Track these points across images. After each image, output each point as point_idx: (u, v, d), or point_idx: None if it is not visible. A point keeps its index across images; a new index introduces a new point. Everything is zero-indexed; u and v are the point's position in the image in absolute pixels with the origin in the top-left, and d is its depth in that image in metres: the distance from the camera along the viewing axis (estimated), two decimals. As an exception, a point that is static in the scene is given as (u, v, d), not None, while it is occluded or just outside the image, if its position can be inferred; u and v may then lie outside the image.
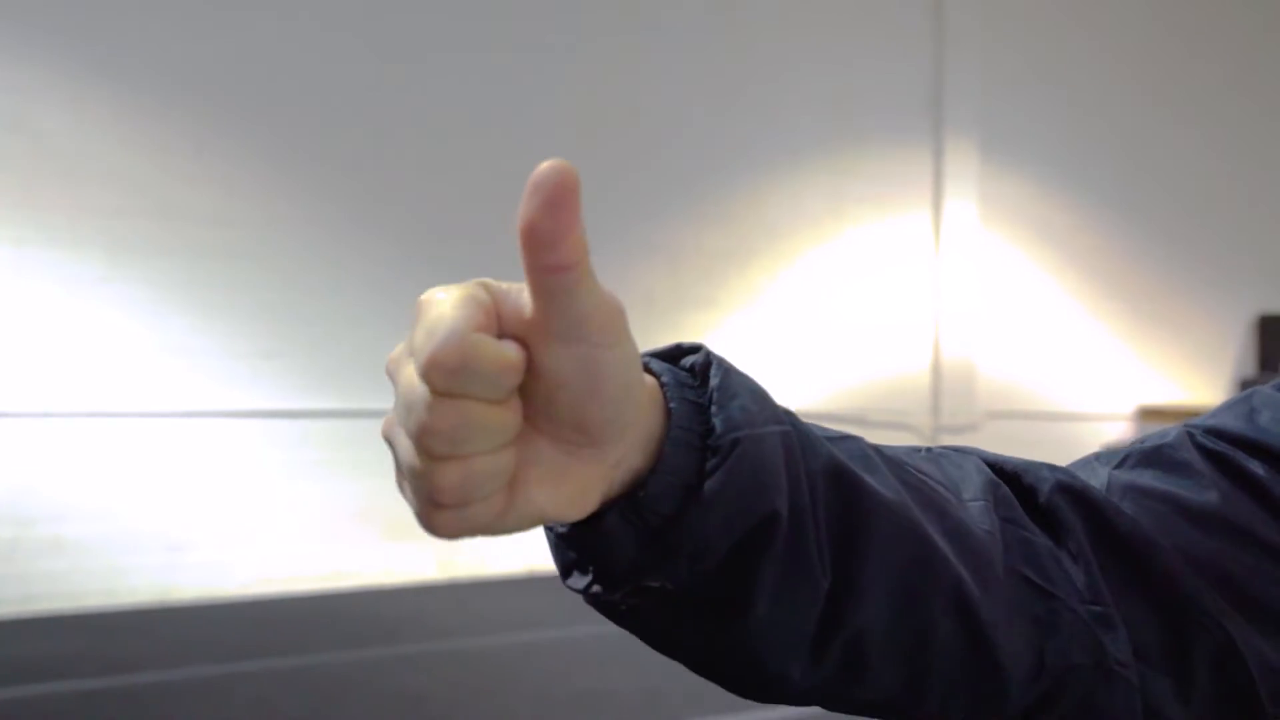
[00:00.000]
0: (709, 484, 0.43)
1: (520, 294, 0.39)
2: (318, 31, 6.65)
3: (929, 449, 0.58)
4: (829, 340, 8.12)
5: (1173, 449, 0.62)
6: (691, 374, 0.46)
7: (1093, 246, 9.30)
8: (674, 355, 0.48)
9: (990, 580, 0.51)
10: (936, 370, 8.52)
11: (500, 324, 0.38)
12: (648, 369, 0.45)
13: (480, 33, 7.08)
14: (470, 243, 7.07)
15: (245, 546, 6.33)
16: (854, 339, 8.17)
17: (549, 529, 0.47)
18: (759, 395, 0.47)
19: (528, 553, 7.10)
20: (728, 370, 0.46)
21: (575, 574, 0.47)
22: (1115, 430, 9.33)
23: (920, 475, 0.53)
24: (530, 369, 0.38)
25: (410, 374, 0.38)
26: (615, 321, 0.40)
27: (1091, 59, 9.34)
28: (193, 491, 6.25)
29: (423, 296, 0.39)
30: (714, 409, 0.45)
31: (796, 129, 8.08)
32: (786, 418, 0.48)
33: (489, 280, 0.40)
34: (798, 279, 8.10)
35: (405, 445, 0.38)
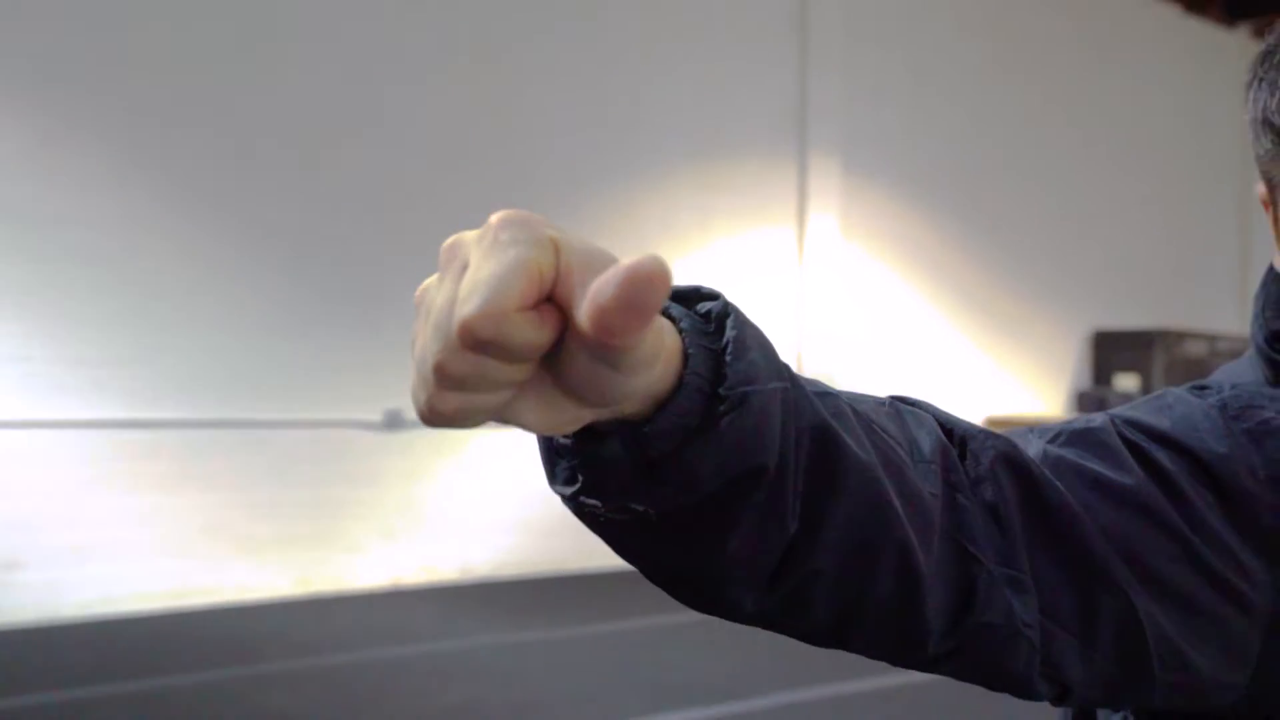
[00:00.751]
0: (713, 432, 0.45)
1: (582, 281, 0.37)
2: (175, 27, 6.33)
3: (893, 401, 0.60)
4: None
5: (1100, 433, 0.67)
6: (707, 320, 0.47)
7: (948, 261, 9.70)
8: (692, 296, 0.49)
9: (930, 541, 0.54)
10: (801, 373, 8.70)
11: (550, 290, 0.38)
12: (665, 312, 0.46)
13: (345, 36, 6.89)
14: (329, 251, 6.87)
15: (87, 564, 5.95)
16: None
17: (541, 437, 0.48)
18: (768, 350, 0.48)
19: (392, 565, 6.92)
20: (744, 323, 0.47)
21: (562, 480, 0.48)
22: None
23: (885, 436, 0.55)
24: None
25: (445, 302, 0.38)
26: (650, 360, 0.40)
27: (948, 82, 9.75)
28: (29, 507, 5.84)
29: (495, 222, 0.39)
30: (729, 359, 0.46)
31: (665, 143, 8.15)
32: (787, 373, 0.50)
33: (561, 240, 0.39)
34: (667, 289, 8.16)
35: (421, 344, 0.40)
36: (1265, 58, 0.74)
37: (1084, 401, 10.20)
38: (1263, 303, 0.79)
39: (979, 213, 9.96)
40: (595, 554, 7.56)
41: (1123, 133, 11.10)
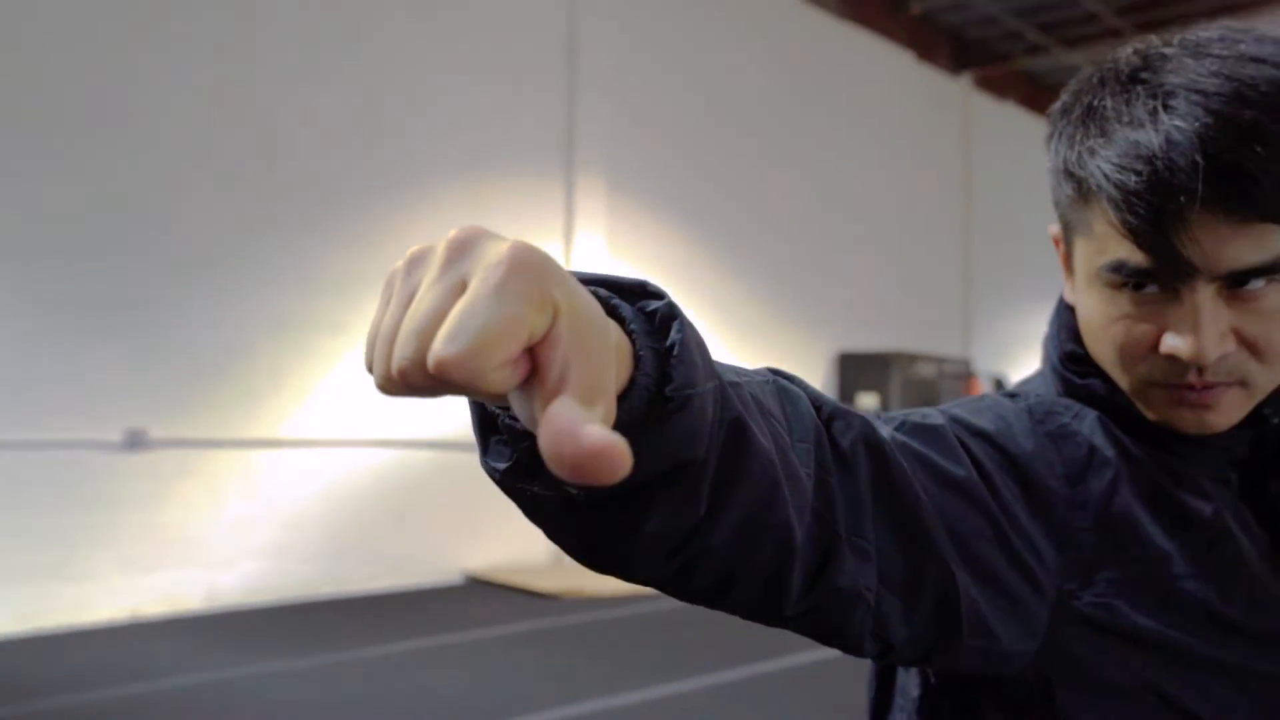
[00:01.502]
0: (656, 429, 0.47)
1: (566, 358, 0.38)
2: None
3: (773, 378, 0.63)
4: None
5: (940, 430, 0.74)
6: (652, 320, 0.49)
7: (709, 282, 10.07)
8: (637, 292, 0.50)
9: (804, 517, 0.59)
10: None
11: (534, 345, 0.39)
12: (614, 310, 0.48)
13: (88, 35, 6.38)
14: (63, 259, 6.34)
15: None
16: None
17: (475, 404, 0.49)
18: (704, 350, 0.51)
19: (132, 596, 6.43)
20: (686, 325, 0.49)
21: (496, 457, 0.49)
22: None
23: (773, 420, 0.59)
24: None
25: (429, 312, 0.39)
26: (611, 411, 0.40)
27: (705, 113, 10.15)
28: None
29: (509, 259, 0.38)
30: (674, 362, 0.48)
31: (436, 158, 8.04)
32: (717, 371, 0.53)
33: (563, 307, 0.39)
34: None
35: (389, 326, 0.41)
36: (1063, 114, 0.80)
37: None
38: (1056, 327, 0.88)
39: (737, 239, 10.41)
40: (350, 579, 7.35)
41: (863, 170, 11.91)
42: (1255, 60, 0.70)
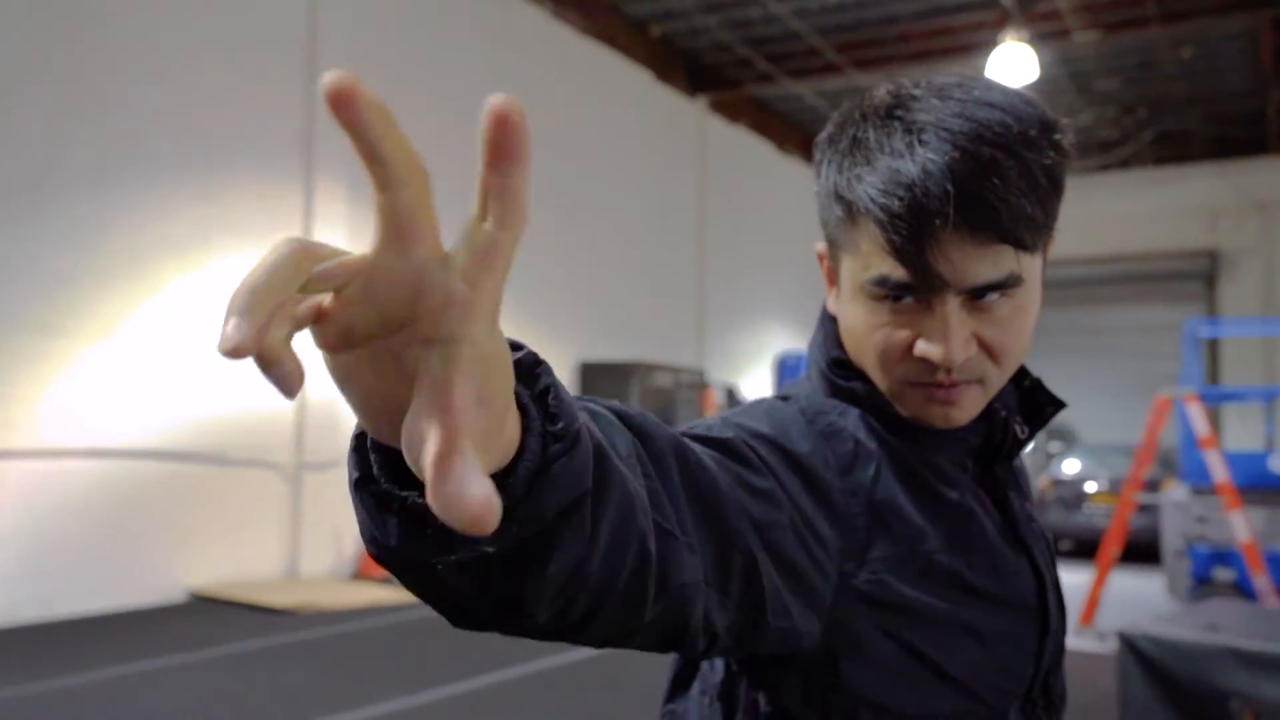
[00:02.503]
0: (556, 467, 0.50)
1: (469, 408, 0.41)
2: None
3: (583, 404, 0.64)
4: (191, 374, 7.67)
5: (736, 444, 0.79)
6: (519, 368, 0.51)
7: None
8: None
9: (648, 523, 0.61)
10: (301, 408, 8.49)
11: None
12: None
13: None
14: None
15: None
16: (218, 373, 7.81)
17: (366, 490, 0.50)
18: (565, 387, 0.53)
19: None
20: (549, 368, 0.52)
21: (399, 536, 0.49)
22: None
23: (607, 436, 0.61)
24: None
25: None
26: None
27: (454, 119, 10.07)
28: None
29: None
30: (553, 403, 0.51)
31: (161, 153, 7.57)
32: (580, 401, 0.56)
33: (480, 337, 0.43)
34: (162, 308, 7.55)
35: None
36: (829, 143, 0.89)
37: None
38: (822, 336, 0.97)
39: (480, 247, 10.40)
40: (57, 601, 6.77)
41: (605, 183, 12.22)
42: (988, 105, 0.81)
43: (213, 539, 7.69)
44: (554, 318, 11.28)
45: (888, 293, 0.84)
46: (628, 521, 0.57)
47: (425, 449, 0.40)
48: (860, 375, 0.92)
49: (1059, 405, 0.98)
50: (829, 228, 0.90)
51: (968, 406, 0.88)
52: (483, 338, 0.42)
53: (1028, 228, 0.80)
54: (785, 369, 15.74)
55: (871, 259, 0.84)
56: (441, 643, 6.26)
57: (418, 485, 0.47)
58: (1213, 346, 15.31)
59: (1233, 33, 12.16)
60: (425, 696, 5.01)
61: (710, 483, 0.70)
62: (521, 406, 0.49)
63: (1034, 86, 12.45)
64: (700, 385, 12.78)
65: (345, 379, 0.46)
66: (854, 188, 0.83)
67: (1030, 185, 0.79)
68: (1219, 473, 6.71)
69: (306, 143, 8.65)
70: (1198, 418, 7.01)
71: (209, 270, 7.87)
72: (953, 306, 0.83)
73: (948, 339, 0.83)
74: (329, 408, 8.60)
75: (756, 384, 15.37)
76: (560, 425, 0.50)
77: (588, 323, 11.81)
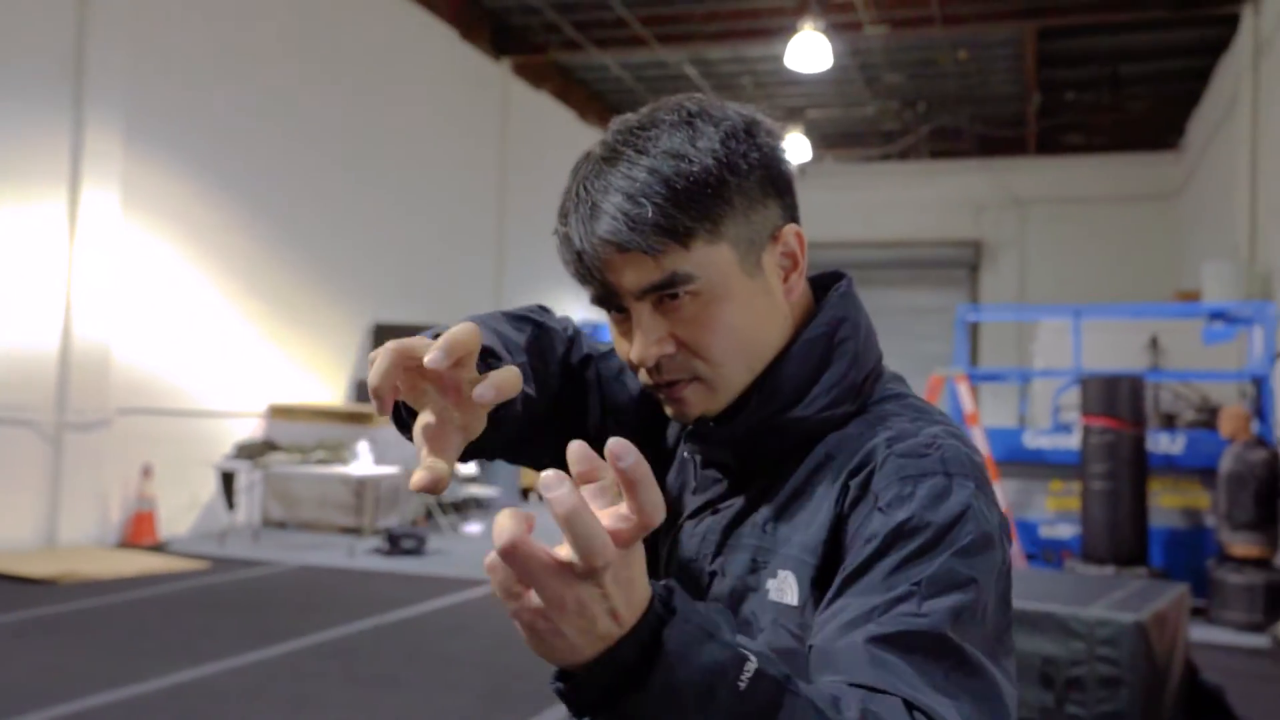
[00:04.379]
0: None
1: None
2: None
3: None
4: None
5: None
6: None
7: (237, 246, 9.52)
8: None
9: None
10: (65, 363, 7.89)
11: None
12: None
13: None
14: None
15: None
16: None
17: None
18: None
19: None
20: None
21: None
22: (248, 427, 9.65)
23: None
24: None
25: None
26: None
27: (240, 68, 9.55)
28: None
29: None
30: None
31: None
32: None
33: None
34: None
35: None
36: (571, 179, 0.94)
37: (363, 391, 10.75)
38: None
39: (271, 205, 9.94)
40: None
41: (405, 142, 11.90)
42: (632, 164, 0.87)
43: (-41, 504, 7.06)
44: (346, 278, 10.93)
45: (605, 308, 0.91)
46: None
47: None
48: None
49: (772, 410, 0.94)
50: None
51: (694, 403, 0.91)
52: None
53: (645, 233, 0.84)
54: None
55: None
56: (217, 615, 6.00)
57: None
58: (974, 330, 16.51)
59: (1003, 39, 13.08)
60: (197, 671, 4.80)
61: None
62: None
63: (826, 76, 13.01)
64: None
65: None
66: (559, 242, 0.91)
67: (646, 194, 0.84)
68: (982, 447, 7.27)
69: (76, 80, 7.97)
70: (966, 396, 7.56)
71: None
72: (640, 311, 0.88)
73: (639, 340, 0.89)
74: (97, 363, 8.03)
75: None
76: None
77: (382, 284, 11.50)
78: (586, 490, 0.59)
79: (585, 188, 0.88)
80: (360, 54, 11.09)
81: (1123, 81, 14.00)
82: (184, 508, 8.99)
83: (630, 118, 0.92)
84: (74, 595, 6.30)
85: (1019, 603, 3.89)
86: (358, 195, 11.07)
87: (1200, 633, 6.06)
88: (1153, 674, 3.92)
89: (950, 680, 0.72)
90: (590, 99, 15.80)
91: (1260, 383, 7.83)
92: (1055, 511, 7.76)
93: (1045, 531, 7.72)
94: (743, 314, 0.88)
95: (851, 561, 0.79)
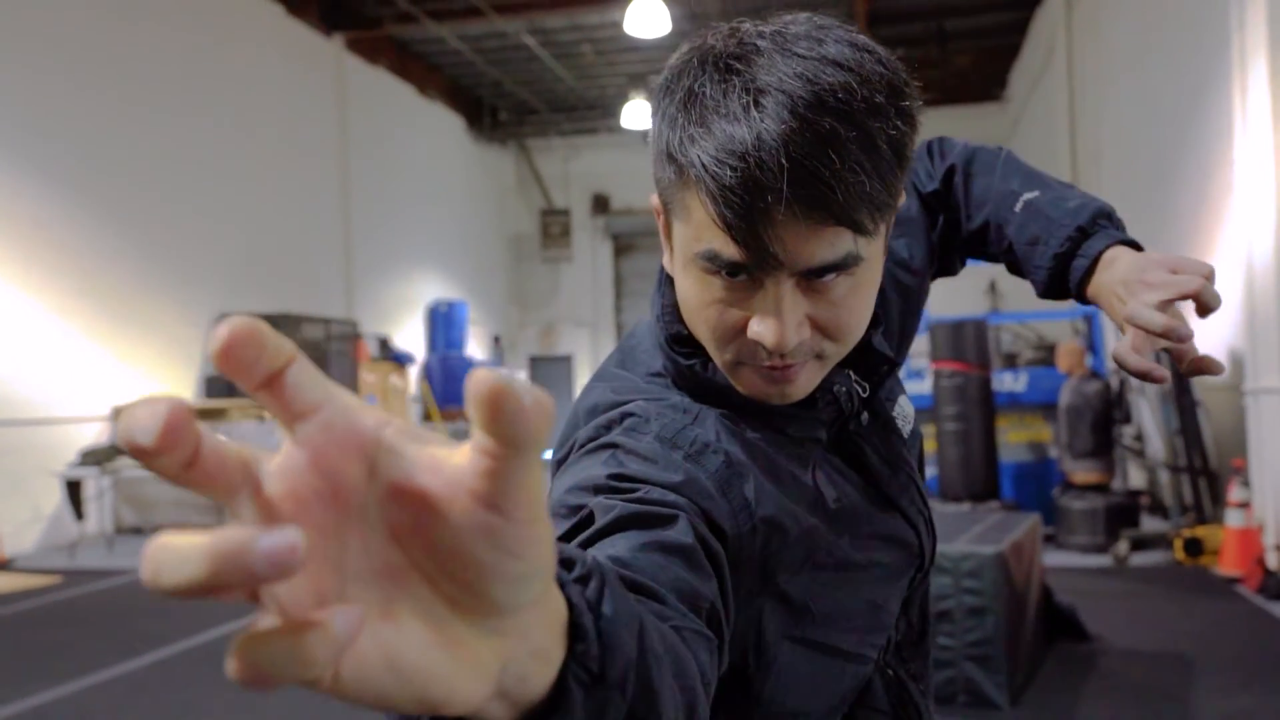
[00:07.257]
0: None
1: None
2: None
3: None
4: None
5: (659, 513, 0.72)
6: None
7: (60, 243, 8.96)
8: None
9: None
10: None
11: None
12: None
13: None
14: None
15: None
16: None
17: None
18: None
19: None
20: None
21: None
22: (92, 432, 9.16)
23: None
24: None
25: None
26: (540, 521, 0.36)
27: (70, 53, 8.97)
28: None
29: None
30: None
31: None
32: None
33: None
34: None
35: None
36: (664, 93, 0.80)
37: (213, 386, 10.33)
38: (661, 305, 0.91)
39: (99, 195, 9.39)
40: None
41: (242, 127, 11.40)
42: (835, 65, 0.74)
43: None
44: (187, 269, 10.45)
45: (719, 269, 0.78)
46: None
47: None
48: (700, 352, 0.87)
49: (893, 363, 0.94)
50: (661, 187, 0.83)
51: (803, 383, 0.84)
52: None
53: (867, 209, 0.74)
54: (437, 318, 15.63)
55: (703, 230, 0.77)
56: (74, 630, 5.71)
57: None
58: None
59: (828, 5, 13.36)
60: (57, 691, 4.56)
61: (641, 586, 0.65)
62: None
63: (666, 41, 13.07)
64: (353, 336, 12.41)
65: None
66: (686, 150, 0.76)
67: (872, 162, 0.73)
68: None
69: None
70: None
71: None
72: (786, 288, 0.77)
73: (780, 324, 0.78)
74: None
75: (410, 334, 15.13)
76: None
77: (225, 272, 11.04)
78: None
79: (796, 139, 0.72)
80: (184, 33, 10.55)
81: (949, 36, 14.52)
82: (27, 521, 8.49)
83: (827, 49, 0.76)
84: (-88, 625, 5.89)
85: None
86: (192, 182, 10.57)
87: (1051, 558, 6.45)
88: (1014, 600, 4.16)
89: None
90: (429, 72, 15.45)
91: (1091, 319, 8.32)
92: (912, 454, 8.08)
93: (904, 474, 8.04)
94: (873, 293, 0.83)
95: None
